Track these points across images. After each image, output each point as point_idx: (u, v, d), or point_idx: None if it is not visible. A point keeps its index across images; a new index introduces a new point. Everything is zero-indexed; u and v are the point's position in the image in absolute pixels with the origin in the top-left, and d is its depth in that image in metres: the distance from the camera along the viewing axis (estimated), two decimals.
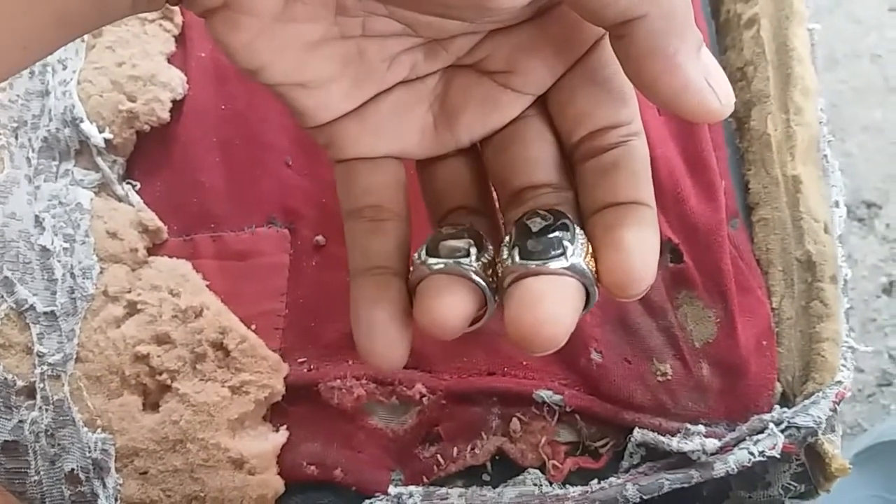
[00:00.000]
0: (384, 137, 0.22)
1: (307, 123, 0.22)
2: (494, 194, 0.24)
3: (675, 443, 0.29)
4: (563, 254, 0.18)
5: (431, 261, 0.19)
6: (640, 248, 0.19)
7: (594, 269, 0.19)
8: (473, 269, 0.19)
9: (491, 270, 0.19)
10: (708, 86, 0.19)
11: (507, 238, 0.20)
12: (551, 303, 0.18)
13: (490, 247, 0.20)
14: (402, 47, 0.21)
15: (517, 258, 0.19)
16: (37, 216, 0.32)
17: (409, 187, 0.23)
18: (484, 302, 0.20)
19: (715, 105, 0.19)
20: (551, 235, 0.19)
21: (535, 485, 0.30)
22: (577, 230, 0.19)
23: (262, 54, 0.19)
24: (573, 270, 0.18)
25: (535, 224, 0.19)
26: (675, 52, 0.18)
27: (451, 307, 0.18)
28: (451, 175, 0.23)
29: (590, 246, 0.19)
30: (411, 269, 0.20)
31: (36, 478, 0.29)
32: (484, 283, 0.19)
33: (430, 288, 0.19)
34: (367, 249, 0.21)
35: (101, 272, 0.31)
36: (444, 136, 0.23)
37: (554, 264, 0.18)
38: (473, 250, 0.19)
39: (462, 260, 0.19)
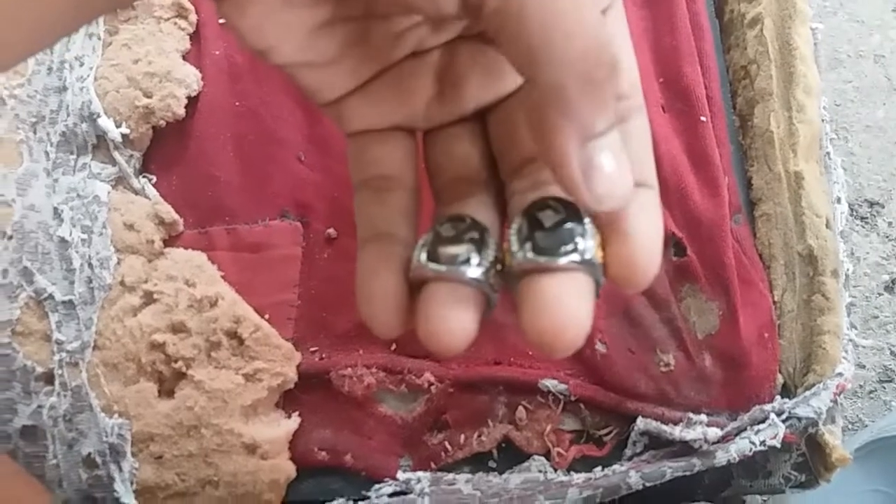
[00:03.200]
0: (391, 109, 0.22)
1: (316, 101, 0.22)
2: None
3: (677, 432, 0.30)
4: (576, 249, 0.18)
5: (432, 265, 0.19)
6: (645, 239, 0.19)
7: (602, 260, 0.19)
8: (475, 276, 0.18)
9: (493, 270, 0.19)
10: (580, 177, 0.17)
11: (516, 227, 0.19)
12: (569, 305, 0.17)
13: (492, 241, 0.19)
14: (408, 24, 0.21)
15: (529, 253, 0.18)
16: (55, 208, 0.33)
17: (419, 160, 0.23)
18: (486, 303, 0.19)
19: (581, 197, 0.18)
20: (563, 229, 0.18)
21: (540, 471, 0.30)
22: (587, 221, 0.19)
23: (268, 37, 0.20)
24: (585, 265, 0.18)
25: (547, 217, 0.19)
26: (552, 128, 0.17)
27: (454, 329, 0.18)
28: (455, 145, 0.23)
29: (598, 236, 0.19)
30: (411, 267, 0.20)
31: (54, 461, 0.30)
32: (487, 286, 0.19)
33: (432, 304, 0.18)
34: (374, 218, 0.21)
35: (118, 263, 0.32)
36: (450, 105, 0.23)
37: (566, 259, 0.18)
38: (474, 256, 0.19)
39: (462, 267, 0.18)
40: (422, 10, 0.18)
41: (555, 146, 0.17)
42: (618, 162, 0.18)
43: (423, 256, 0.19)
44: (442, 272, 0.19)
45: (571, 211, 0.19)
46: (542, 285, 0.18)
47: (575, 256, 0.18)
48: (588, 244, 0.18)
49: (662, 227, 0.20)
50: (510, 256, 0.19)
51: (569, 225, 0.18)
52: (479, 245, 0.19)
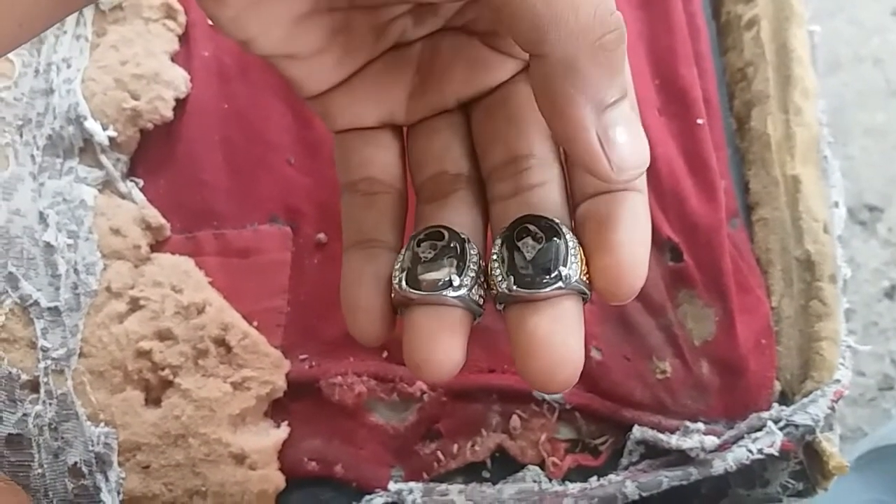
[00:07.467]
0: (373, 103, 0.22)
1: (301, 93, 0.22)
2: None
3: (674, 440, 0.29)
4: (559, 277, 0.18)
5: (413, 292, 0.19)
6: (631, 249, 0.18)
7: (587, 275, 0.19)
8: (458, 295, 0.18)
9: (476, 286, 0.19)
10: (599, 147, 0.17)
11: (497, 253, 0.19)
12: (560, 342, 0.17)
13: (474, 253, 0.19)
14: (391, 16, 0.21)
15: (513, 285, 0.18)
16: (41, 213, 0.32)
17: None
18: (472, 317, 0.19)
19: (601, 168, 0.17)
20: (544, 259, 0.18)
21: (534, 481, 0.30)
22: (570, 241, 0.19)
23: (249, 28, 0.19)
24: (571, 289, 0.18)
25: (527, 247, 0.18)
26: (566, 101, 0.17)
27: (442, 359, 0.18)
28: (437, 138, 0.22)
29: (582, 252, 0.19)
30: (392, 289, 0.20)
31: (39, 471, 0.30)
32: (471, 303, 0.19)
33: (418, 334, 0.18)
34: (360, 223, 0.21)
35: (104, 268, 0.31)
36: (432, 98, 0.22)
37: (549, 289, 0.18)
38: (455, 278, 0.19)
39: (444, 291, 0.18)
40: None
41: (571, 119, 0.17)
42: (633, 132, 0.18)
43: (404, 281, 0.19)
44: (424, 297, 0.18)
45: (551, 233, 0.19)
46: (531, 324, 0.18)
47: (559, 284, 0.18)
48: (571, 268, 0.18)
49: (650, 235, 0.19)
50: (495, 284, 0.19)
51: (549, 253, 0.18)
52: (460, 262, 0.19)
